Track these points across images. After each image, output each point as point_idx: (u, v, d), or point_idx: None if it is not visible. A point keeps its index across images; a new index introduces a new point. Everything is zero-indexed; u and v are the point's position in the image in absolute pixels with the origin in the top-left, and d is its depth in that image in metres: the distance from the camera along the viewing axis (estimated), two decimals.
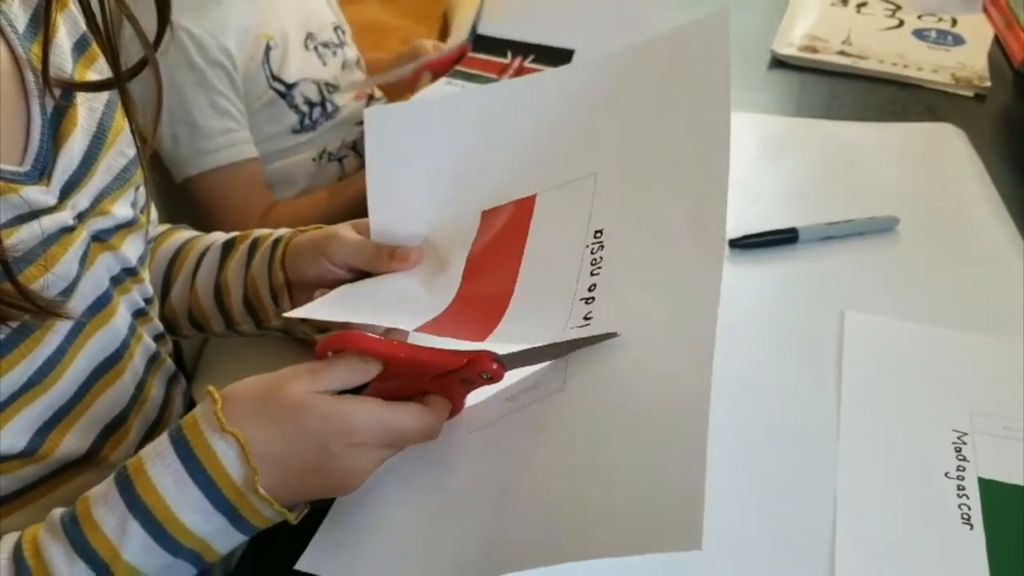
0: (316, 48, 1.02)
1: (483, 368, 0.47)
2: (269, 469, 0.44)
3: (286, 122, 0.99)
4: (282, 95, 0.97)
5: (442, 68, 1.00)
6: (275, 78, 0.96)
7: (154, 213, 0.64)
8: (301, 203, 1.00)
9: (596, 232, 0.51)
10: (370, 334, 0.47)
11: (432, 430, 0.47)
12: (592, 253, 0.51)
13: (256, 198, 0.97)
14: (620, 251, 0.50)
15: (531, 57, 0.97)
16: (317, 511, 0.49)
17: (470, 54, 0.99)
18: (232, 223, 0.94)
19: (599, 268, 0.50)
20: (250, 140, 0.95)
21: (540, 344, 0.47)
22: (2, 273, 0.45)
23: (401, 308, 0.54)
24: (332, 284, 0.58)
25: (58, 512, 0.45)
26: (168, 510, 0.43)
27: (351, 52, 1.08)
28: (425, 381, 0.48)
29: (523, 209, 0.56)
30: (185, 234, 0.71)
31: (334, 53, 1.04)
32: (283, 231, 0.65)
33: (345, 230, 0.60)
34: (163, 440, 0.45)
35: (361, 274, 0.59)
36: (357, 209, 1.04)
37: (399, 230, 0.59)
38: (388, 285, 0.57)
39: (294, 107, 0.99)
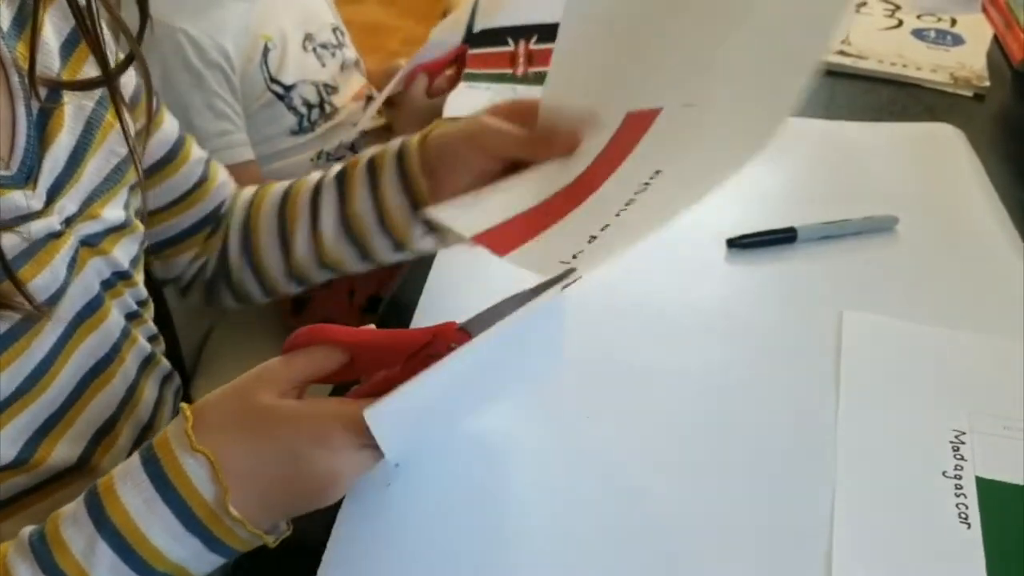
0: (315, 49, 1.02)
1: (449, 339, 0.45)
2: (242, 485, 0.42)
3: (284, 124, 0.99)
4: (280, 97, 0.98)
5: (437, 69, 1.00)
6: (273, 80, 0.97)
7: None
8: None
9: (655, 172, 0.49)
10: (335, 325, 0.46)
11: None
12: (635, 193, 0.49)
13: None
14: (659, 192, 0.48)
15: (534, 38, 0.96)
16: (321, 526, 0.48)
17: (477, 51, 0.99)
18: None
19: (624, 209, 0.48)
20: (247, 142, 0.95)
21: (502, 299, 0.46)
22: None
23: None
24: (478, 181, 0.58)
25: (27, 530, 0.44)
26: (138, 531, 0.42)
27: (350, 53, 1.08)
28: (400, 369, 0.47)
29: (642, 122, 0.52)
30: (278, 187, 0.70)
31: (333, 54, 1.04)
32: (396, 143, 0.64)
33: (491, 119, 0.59)
34: (134, 459, 0.44)
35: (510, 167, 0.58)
36: None
37: (567, 109, 0.56)
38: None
39: (292, 109, 0.99)
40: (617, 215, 0.48)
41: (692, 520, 0.51)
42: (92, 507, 0.43)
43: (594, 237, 0.48)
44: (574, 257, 0.47)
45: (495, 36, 0.98)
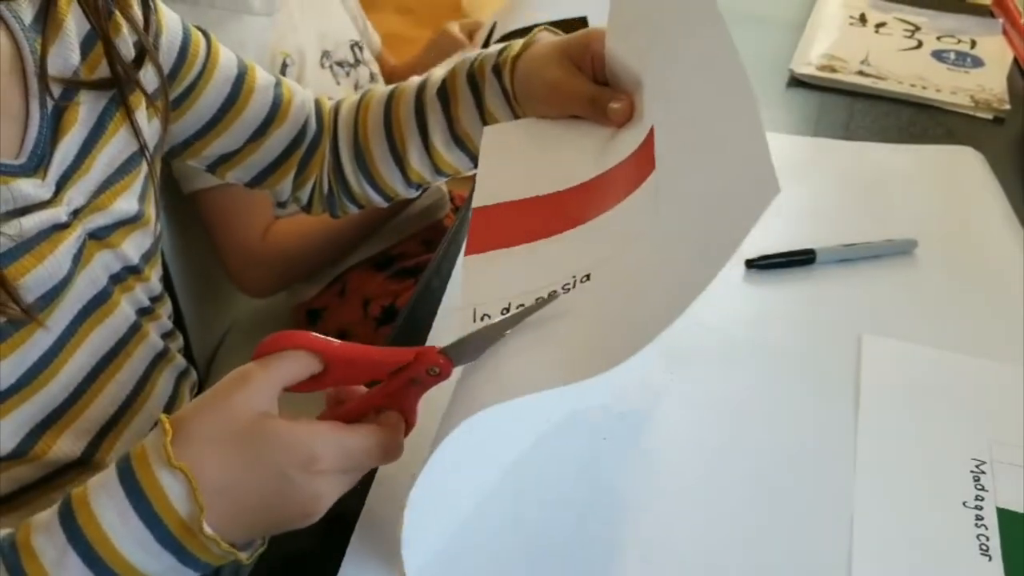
0: (331, 67, 1.02)
1: (430, 363, 0.45)
2: (220, 502, 0.41)
3: None
4: None
5: None
6: None
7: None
8: (305, 218, 1.00)
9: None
10: (308, 332, 0.45)
11: (391, 448, 0.45)
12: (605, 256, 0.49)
13: (259, 214, 0.96)
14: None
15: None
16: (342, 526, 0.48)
17: None
18: (233, 239, 0.95)
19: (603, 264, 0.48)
20: None
21: (482, 326, 0.46)
22: None
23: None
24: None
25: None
26: (110, 544, 0.41)
27: (364, 71, 1.08)
28: (380, 388, 0.46)
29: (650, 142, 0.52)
30: (377, 101, 0.71)
31: (347, 73, 1.05)
32: (491, 54, 0.66)
33: (565, 72, 0.60)
34: (111, 471, 0.43)
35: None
36: (363, 224, 1.04)
37: (623, 70, 0.57)
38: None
39: None
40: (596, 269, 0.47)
41: (707, 545, 0.50)
42: (64, 517, 0.42)
43: (572, 283, 0.47)
44: (550, 296, 0.46)
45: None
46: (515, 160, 0.59)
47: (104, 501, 0.41)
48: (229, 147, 0.68)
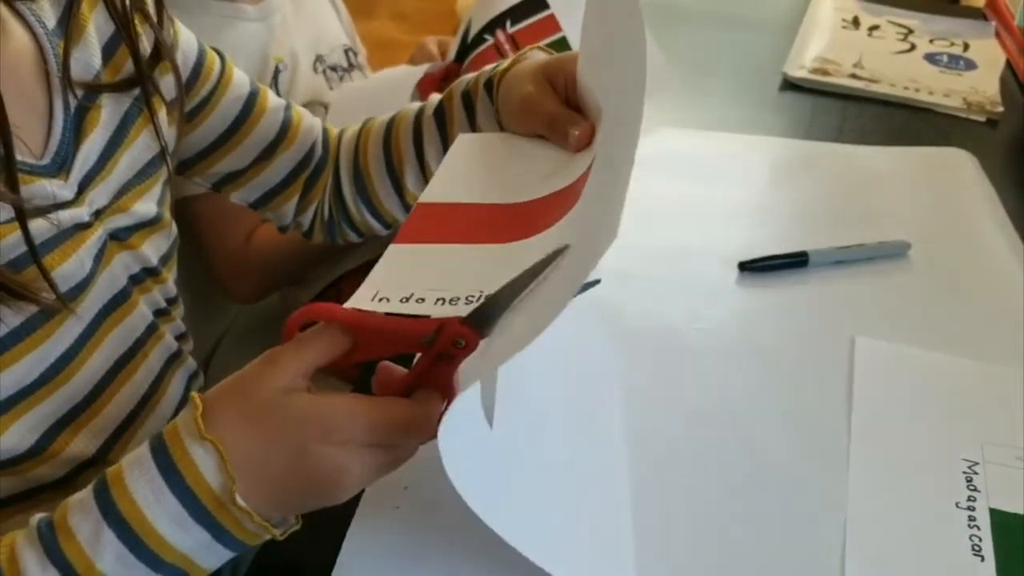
0: (324, 71, 1.02)
1: (454, 335, 0.44)
2: (249, 477, 0.42)
3: None
4: None
5: (427, 87, 1.00)
6: None
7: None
8: None
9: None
10: (336, 305, 0.45)
11: (421, 422, 0.44)
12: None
13: (243, 220, 0.95)
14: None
15: (508, 22, 0.95)
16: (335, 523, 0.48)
17: (469, 60, 0.98)
18: (219, 245, 0.95)
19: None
20: None
21: (500, 287, 0.45)
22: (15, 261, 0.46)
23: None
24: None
25: (37, 517, 0.44)
26: (144, 520, 0.41)
27: (359, 77, 1.08)
28: (413, 370, 0.46)
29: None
30: (379, 126, 0.72)
31: (341, 78, 1.05)
32: (489, 69, 0.65)
33: (537, 90, 0.60)
34: (144, 448, 0.43)
35: None
36: None
37: (589, 96, 0.57)
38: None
39: None
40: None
41: (700, 547, 0.50)
42: (99, 495, 0.42)
43: (478, 296, 0.46)
44: (452, 302, 0.46)
45: (479, 39, 0.98)
46: (473, 167, 0.59)
47: (137, 476, 0.42)
48: (236, 166, 0.69)
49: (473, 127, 0.65)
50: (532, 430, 0.51)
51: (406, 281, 0.48)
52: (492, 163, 0.59)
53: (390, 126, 0.70)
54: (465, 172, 0.59)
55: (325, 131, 0.74)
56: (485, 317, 0.44)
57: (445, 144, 0.67)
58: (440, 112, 0.67)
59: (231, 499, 0.41)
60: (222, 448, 0.41)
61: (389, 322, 0.45)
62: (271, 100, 0.70)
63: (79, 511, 0.42)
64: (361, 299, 0.47)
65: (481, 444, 0.46)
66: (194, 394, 0.43)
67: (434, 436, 0.41)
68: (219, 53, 0.68)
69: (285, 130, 0.70)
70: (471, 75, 0.67)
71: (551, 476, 0.50)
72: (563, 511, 0.49)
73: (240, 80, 0.69)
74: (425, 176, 0.69)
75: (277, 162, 0.70)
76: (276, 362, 0.43)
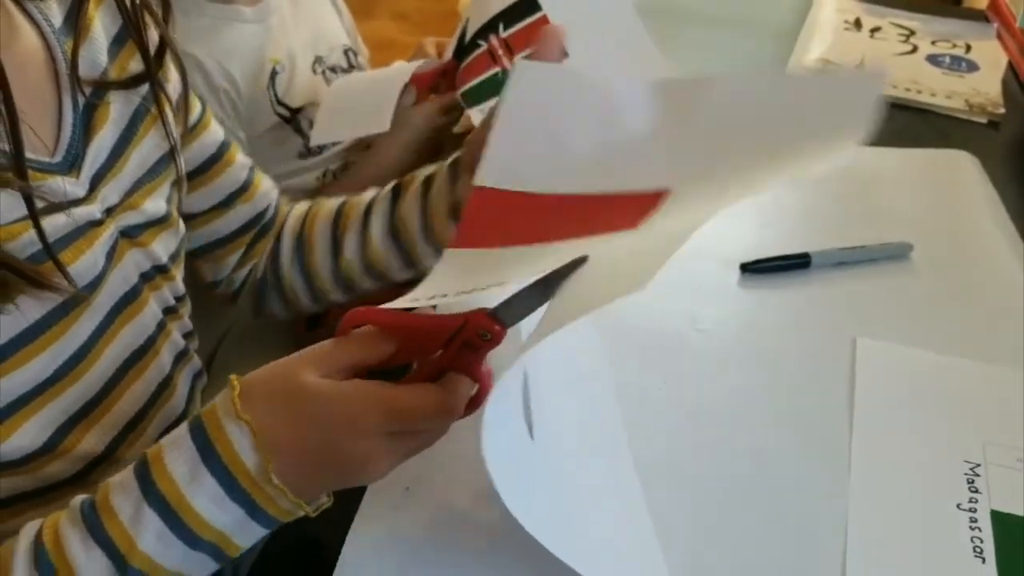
0: (324, 72, 1.02)
1: (480, 327, 0.44)
2: (282, 458, 0.43)
3: (292, 147, 0.98)
4: (287, 120, 0.97)
5: (424, 84, 0.99)
6: (280, 103, 0.96)
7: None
8: None
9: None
10: (380, 307, 0.45)
11: (446, 406, 0.44)
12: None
13: None
14: None
15: (500, 27, 0.94)
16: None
17: (464, 64, 0.98)
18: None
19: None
20: None
21: (525, 285, 0.44)
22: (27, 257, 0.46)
23: None
24: None
25: (80, 498, 0.45)
26: (183, 498, 0.43)
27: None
28: (439, 358, 0.46)
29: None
30: (336, 199, 0.73)
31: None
32: (457, 154, 0.65)
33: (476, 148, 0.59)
34: (182, 428, 0.45)
35: None
36: None
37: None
38: None
39: (299, 132, 0.98)
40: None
41: (702, 547, 0.51)
42: (140, 475, 0.44)
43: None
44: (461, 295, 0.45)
45: (474, 43, 0.98)
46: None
47: (175, 455, 0.43)
48: (195, 207, 0.69)
49: (424, 200, 0.65)
50: (548, 433, 0.51)
51: (447, 282, 0.48)
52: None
53: (347, 200, 0.72)
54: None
55: (278, 199, 0.75)
56: (511, 312, 0.45)
57: (392, 214, 0.68)
58: (397, 187, 0.69)
59: (266, 478, 0.43)
60: (255, 427, 0.43)
61: (421, 320, 0.46)
62: (239, 155, 0.71)
63: (120, 491, 0.44)
64: (401, 301, 0.47)
65: (517, 444, 0.47)
66: (232, 376, 0.45)
67: (461, 417, 0.44)
68: (200, 99, 0.69)
69: (247, 185, 0.71)
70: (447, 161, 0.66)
71: (571, 476, 0.51)
72: (591, 512, 0.50)
73: (216, 128, 0.70)
74: (363, 244, 0.69)
75: (233, 213, 0.71)
76: (315, 353, 0.45)
